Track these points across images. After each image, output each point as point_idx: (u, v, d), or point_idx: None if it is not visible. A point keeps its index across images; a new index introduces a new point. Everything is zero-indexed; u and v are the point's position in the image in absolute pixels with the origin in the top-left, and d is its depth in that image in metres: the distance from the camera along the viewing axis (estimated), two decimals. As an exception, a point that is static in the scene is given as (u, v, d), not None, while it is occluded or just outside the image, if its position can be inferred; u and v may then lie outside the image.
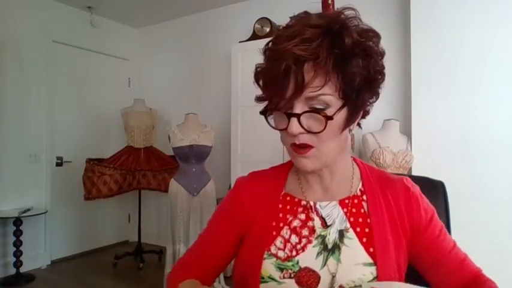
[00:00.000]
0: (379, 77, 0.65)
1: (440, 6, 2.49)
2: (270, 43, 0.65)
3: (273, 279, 0.67)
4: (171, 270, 0.80)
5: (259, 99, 0.68)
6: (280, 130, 0.65)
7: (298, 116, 0.60)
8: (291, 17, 0.66)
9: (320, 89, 0.59)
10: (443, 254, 0.70)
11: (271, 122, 0.67)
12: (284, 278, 0.67)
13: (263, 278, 0.68)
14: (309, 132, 0.61)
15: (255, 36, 3.24)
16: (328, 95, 0.60)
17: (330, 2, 2.75)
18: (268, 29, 3.20)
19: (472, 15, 2.40)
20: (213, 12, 3.94)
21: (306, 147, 0.63)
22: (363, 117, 0.71)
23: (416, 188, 0.74)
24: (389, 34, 2.86)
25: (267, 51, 0.66)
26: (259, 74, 0.67)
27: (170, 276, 0.77)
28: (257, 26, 3.26)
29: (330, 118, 0.60)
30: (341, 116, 0.62)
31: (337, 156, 0.69)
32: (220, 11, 3.88)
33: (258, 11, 3.39)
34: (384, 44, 0.65)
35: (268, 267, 0.68)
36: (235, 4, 3.76)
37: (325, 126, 0.61)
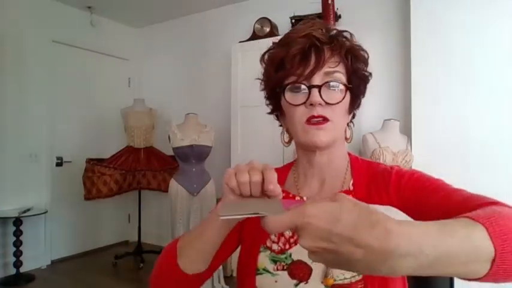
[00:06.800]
0: (368, 77, 0.76)
1: (441, 6, 2.49)
2: (283, 36, 0.74)
3: (267, 271, 0.71)
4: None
5: (274, 78, 0.73)
6: (296, 106, 0.70)
7: (319, 87, 0.68)
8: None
9: (337, 65, 0.70)
10: (427, 196, 0.63)
11: (286, 101, 0.72)
12: (277, 270, 0.70)
13: (258, 270, 0.71)
14: (327, 103, 0.68)
15: (255, 36, 3.23)
16: (341, 73, 0.70)
17: (329, 2, 2.75)
18: (268, 29, 3.20)
19: (473, 15, 2.40)
20: (213, 12, 3.94)
21: (322, 120, 0.68)
22: (353, 116, 0.79)
23: (394, 168, 0.73)
24: (390, 34, 2.86)
25: (281, 40, 0.73)
26: (274, 56, 0.73)
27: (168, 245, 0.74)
28: (257, 26, 3.26)
29: (350, 87, 0.71)
30: (347, 98, 0.71)
31: (340, 139, 0.75)
32: (220, 11, 3.88)
33: (258, 11, 3.39)
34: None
35: (263, 259, 0.72)
36: (235, 4, 3.76)
37: (345, 96, 0.70)
